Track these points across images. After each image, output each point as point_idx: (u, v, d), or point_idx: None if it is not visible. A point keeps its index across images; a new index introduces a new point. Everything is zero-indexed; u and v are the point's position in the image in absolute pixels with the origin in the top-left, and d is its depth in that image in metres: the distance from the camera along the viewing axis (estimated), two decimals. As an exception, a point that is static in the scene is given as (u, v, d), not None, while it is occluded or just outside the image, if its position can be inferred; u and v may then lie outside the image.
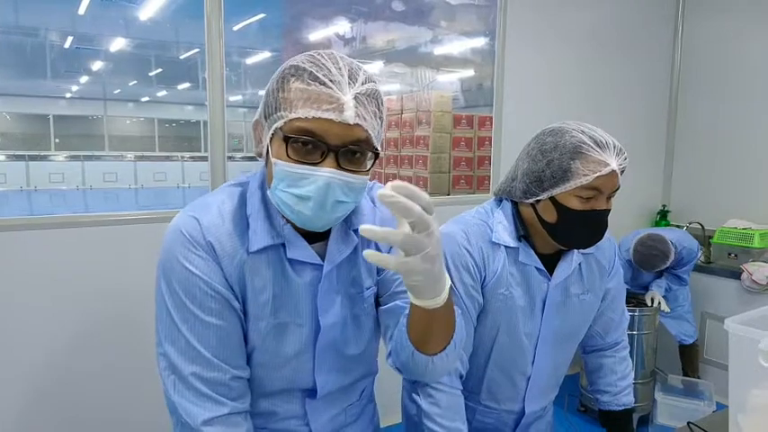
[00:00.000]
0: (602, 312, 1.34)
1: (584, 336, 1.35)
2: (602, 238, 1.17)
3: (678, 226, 3.58)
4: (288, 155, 0.77)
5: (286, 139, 0.77)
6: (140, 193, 15.36)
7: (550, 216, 1.14)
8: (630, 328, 2.88)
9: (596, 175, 1.07)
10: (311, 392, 0.95)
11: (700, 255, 3.24)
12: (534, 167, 1.14)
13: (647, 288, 3.12)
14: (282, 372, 0.91)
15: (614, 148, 1.09)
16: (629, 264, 3.02)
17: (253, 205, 0.87)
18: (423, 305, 0.78)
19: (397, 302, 0.95)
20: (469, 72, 4.34)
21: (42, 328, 2.02)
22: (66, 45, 11.21)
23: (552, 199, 1.12)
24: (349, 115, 0.75)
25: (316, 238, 0.88)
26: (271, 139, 0.80)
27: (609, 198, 1.12)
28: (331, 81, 0.76)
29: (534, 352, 1.25)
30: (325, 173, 0.76)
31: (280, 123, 0.78)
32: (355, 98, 0.76)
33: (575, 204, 1.10)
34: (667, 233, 3.07)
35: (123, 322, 2.14)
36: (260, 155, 0.86)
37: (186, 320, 0.84)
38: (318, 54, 0.80)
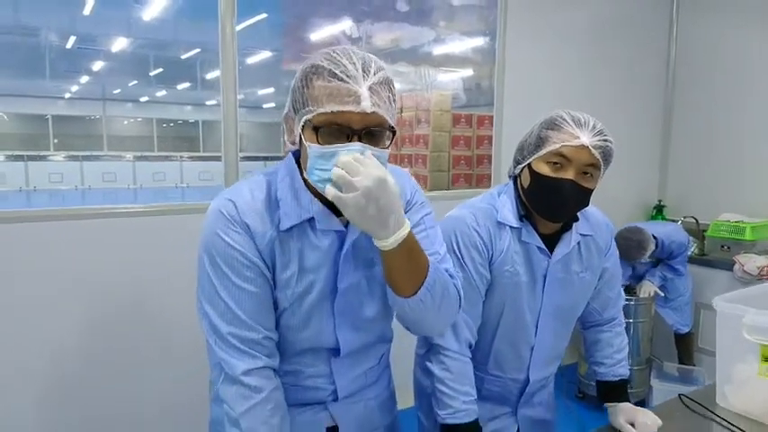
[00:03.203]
0: (599, 290, 1.45)
1: (582, 311, 1.46)
2: (571, 211, 1.27)
3: (673, 220, 3.70)
4: (318, 141, 0.91)
5: (315, 129, 0.91)
6: (139, 193, 15.36)
7: (526, 181, 1.28)
8: (627, 316, 2.97)
9: (564, 143, 1.19)
10: (335, 351, 1.07)
11: (692, 247, 3.35)
12: (521, 141, 1.31)
13: (642, 278, 3.22)
14: (308, 332, 1.04)
15: (591, 126, 1.20)
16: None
17: (282, 189, 1.01)
18: (378, 245, 0.92)
19: None
20: (469, 71, 4.41)
21: (45, 322, 2.05)
22: (69, 45, 11.22)
23: (529, 166, 1.26)
24: (366, 105, 0.88)
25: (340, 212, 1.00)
26: (302, 128, 0.94)
27: (585, 174, 1.21)
28: (348, 76, 0.89)
29: (537, 325, 1.36)
30: (353, 146, 0.90)
31: (309, 116, 0.91)
32: (370, 89, 0.89)
33: (544, 170, 1.23)
34: (655, 227, 3.16)
35: (129, 314, 2.18)
36: (293, 143, 1.00)
37: (226, 287, 0.97)
38: (334, 52, 0.92)
